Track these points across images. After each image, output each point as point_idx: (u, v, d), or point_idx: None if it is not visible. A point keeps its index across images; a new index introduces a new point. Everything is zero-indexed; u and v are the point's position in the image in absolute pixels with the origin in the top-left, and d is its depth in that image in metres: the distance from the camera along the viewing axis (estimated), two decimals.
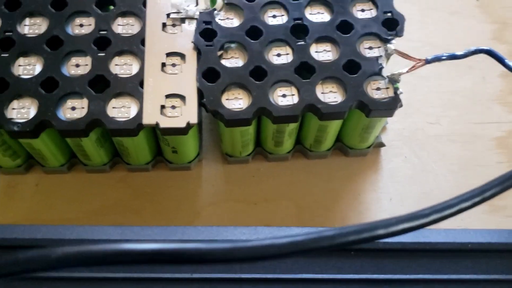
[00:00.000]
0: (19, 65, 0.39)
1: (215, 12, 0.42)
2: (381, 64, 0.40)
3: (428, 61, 0.39)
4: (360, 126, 0.42)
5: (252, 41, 0.40)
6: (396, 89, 0.39)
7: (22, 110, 0.38)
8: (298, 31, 0.41)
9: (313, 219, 0.45)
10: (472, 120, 0.49)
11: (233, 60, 0.40)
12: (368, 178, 0.47)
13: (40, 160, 0.44)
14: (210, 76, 0.40)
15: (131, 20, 0.41)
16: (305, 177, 0.46)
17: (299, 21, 0.41)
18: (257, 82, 0.39)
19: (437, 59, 0.39)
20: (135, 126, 0.37)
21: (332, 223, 0.45)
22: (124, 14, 0.41)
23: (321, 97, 0.39)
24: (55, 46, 0.40)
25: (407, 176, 0.47)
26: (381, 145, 0.47)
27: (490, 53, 0.39)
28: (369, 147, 0.46)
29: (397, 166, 0.47)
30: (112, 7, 0.42)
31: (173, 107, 0.38)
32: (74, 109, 0.38)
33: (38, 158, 0.43)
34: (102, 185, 0.45)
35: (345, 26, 0.41)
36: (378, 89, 0.39)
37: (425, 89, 0.50)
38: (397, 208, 0.45)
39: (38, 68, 0.39)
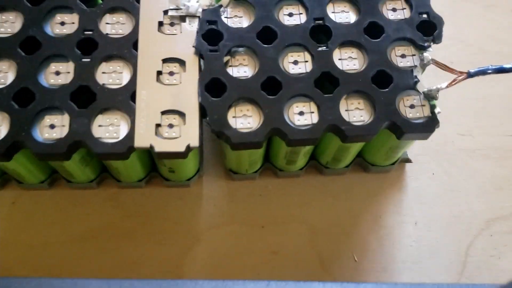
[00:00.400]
0: None
1: (221, 9, 0.35)
2: (416, 76, 0.34)
3: (470, 75, 0.33)
4: (387, 146, 0.37)
5: (264, 45, 0.34)
6: (433, 107, 0.33)
7: None
8: (319, 33, 0.35)
9: (328, 245, 0.39)
10: (508, 131, 0.43)
11: (242, 69, 0.34)
12: (390, 198, 0.41)
13: (16, 177, 0.38)
14: (215, 87, 0.33)
15: (121, 17, 0.35)
16: (319, 196, 0.41)
17: (320, 22, 0.35)
18: (270, 96, 0.33)
19: (482, 72, 0.33)
20: (125, 150, 0.32)
21: (350, 250, 0.39)
22: (113, 11, 0.35)
23: (345, 115, 0.33)
24: (30, 49, 0.33)
25: (434, 196, 0.41)
26: (407, 160, 0.42)
27: None
28: (393, 164, 0.41)
29: (424, 184, 0.42)
30: (99, 2, 0.35)
31: (171, 125, 0.32)
32: (53, 128, 0.32)
33: (13, 175, 0.37)
34: (88, 203, 0.40)
35: (374, 29, 0.35)
36: (412, 106, 0.33)
37: (456, 94, 0.44)
38: (423, 233, 0.40)
39: (10, 77, 0.33)
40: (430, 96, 0.33)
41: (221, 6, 0.35)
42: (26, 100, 0.32)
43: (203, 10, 0.35)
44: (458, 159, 0.42)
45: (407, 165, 0.42)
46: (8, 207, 0.39)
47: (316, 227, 0.40)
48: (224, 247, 0.39)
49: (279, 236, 0.39)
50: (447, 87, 0.33)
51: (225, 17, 0.35)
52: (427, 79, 0.38)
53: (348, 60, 0.34)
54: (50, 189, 0.40)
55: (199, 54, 0.34)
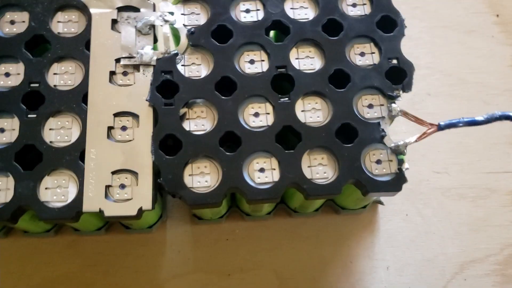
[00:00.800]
0: None
1: (178, 57, 0.33)
2: (383, 130, 0.32)
3: (441, 128, 0.31)
4: (355, 196, 0.35)
5: (223, 97, 0.32)
6: (401, 162, 0.32)
7: None
8: (282, 79, 0.33)
9: None
10: (485, 168, 0.41)
11: (200, 122, 0.32)
12: (362, 242, 0.40)
13: None
14: (170, 144, 0.32)
15: (70, 67, 0.33)
16: (288, 240, 0.39)
17: (283, 70, 0.33)
18: (229, 153, 0.31)
19: (453, 125, 0.31)
20: (73, 215, 0.30)
21: None
22: (61, 59, 0.33)
23: (307, 172, 0.31)
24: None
25: (407, 238, 0.40)
26: (379, 202, 0.40)
27: None
28: (364, 207, 0.39)
29: (397, 227, 0.40)
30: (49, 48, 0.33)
31: (122, 186, 0.31)
32: None
33: None
34: (45, 252, 0.38)
35: (340, 77, 0.33)
36: (378, 162, 0.32)
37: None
38: (395, 278, 0.39)
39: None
40: (397, 152, 0.32)
41: (177, 54, 0.33)
42: None
43: (158, 58, 0.33)
44: (433, 199, 0.41)
45: (380, 206, 0.40)
46: None
47: (284, 275, 0.38)
48: None
49: (246, 285, 0.38)
50: (416, 141, 0.31)
51: (181, 65, 0.33)
52: (398, 124, 0.37)
53: (311, 112, 0.32)
54: (6, 237, 0.38)
55: (153, 108, 0.32)
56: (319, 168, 0.31)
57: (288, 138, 0.33)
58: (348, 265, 0.39)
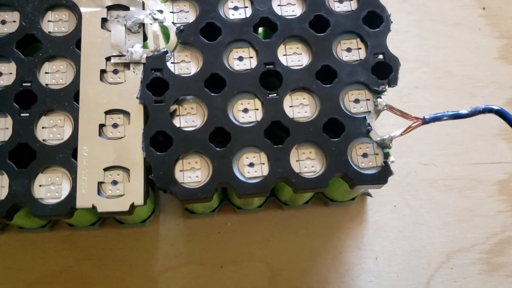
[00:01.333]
0: None
1: (167, 54, 0.33)
2: (369, 124, 0.33)
3: (426, 121, 0.32)
4: (343, 189, 0.36)
5: (212, 94, 0.33)
6: (386, 155, 0.32)
7: None
8: (270, 76, 0.34)
9: (288, 284, 0.39)
10: (472, 159, 0.42)
11: (190, 118, 0.33)
12: (351, 233, 0.41)
13: None
14: (161, 140, 0.32)
15: (62, 65, 0.33)
16: (279, 233, 0.40)
17: (271, 66, 0.34)
18: (219, 149, 0.32)
19: (437, 119, 0.32)
20: (67, 211, 0.30)
21: None
22: (52, 59, 0.33)
23: (295, 166, 0.32)
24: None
25: (396, 229, 0.41)
26: (368, 194, 0.41)
27: (500, 114, 0.32)
28: (353, 199, 0.40)
29: (385, 218, 0.41)
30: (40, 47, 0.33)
31: (114, 182, 0.31)
32: None
33: None
34: (41, 247, 0.39)
35: (327, 73, 0.34)
36: (365, 155, 0.32)
37: None
38: (383, 268, 0.40)
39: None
40: (383, 145, 0.32)
41: (167, 51, 0.33)
42: None
43: (148, 56, 0.33)
44: (420, 190, 0.41)
45: (368, 198, 0.41)
46: None
47: (275, 266, 0.39)
48: None
49: (238, 277, 0.39)
50: (401, 135, 0.32)
51: (171, 63, 0.33)
52: (386, 117, 0.37)
53: (299, 107, 0.33)
54: (2, 233, 0.39)
55: (144, 105, 0.32)
56: (307, 162, 0.32)
57: (276, 133, 0.33)
58: (337, 255, 0.40)
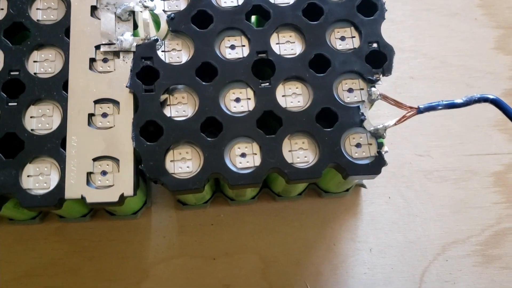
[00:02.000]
0: None
1: (158, 42, 0.33)
2: (362, 114, 0.32)
3: (420, 111, 0.32)
4: (337, 180, 0.35)
5: (203, 83, 0.32)
6: (380, 145, 0.32)
7: None
8: (263, 65, 0.33)
9: (281, 276, 0.39)
10: (467, 151, 0.42)
11: (181, 108, 0.32)
12: (345, 224, 0.40)
13: None
14: (151, 130, 0.32)
15: (50, 54, 0.33)
16: (272, 224, 0.40)
17: (263, 55, 0.33)
18: (210, 139, 0.31)
19: (432, 108, 0.32)
20: (55, 202, 0.30)
21: (304, 280, 0.39)
22: (41, 47, 0.33)
23: (288, 156, 0.31)
24: None
25: (390, 221, 0.40)
26: (362, 185, 0.40)
27: (496, 103, 0.31)
28: (347, 190, 0.40)
29: (380, 209, 0.40)
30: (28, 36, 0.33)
31: (104, 173, 0.31)
32: None
33: None
34: (32, 239, 0.38)
35: (320, 62, 0.33)
36: (358, 145, 0.32)
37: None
38: (377, 260, 0.39)
39: None
40: (377, 135, 0.32)
41: (157, 40, 0.33)
42: None
43: (138, 45, 0.33)
44: (415, 181, 0.41)
45: (363, 189, 0.41)
46: None
47: (268, 258, 0.39)
48: (174, 282, 0.38)
49: (231, 269, 0.38)
50: (395, 124, 0.32)
51: (162, 51, 0.33)
52: (380, 107, 0.37)
53: (292, 97, 0.33)
54: None
55: (134, 94, 0.32)
56: (299, 152, 0.32)
57: (269, 123, 0.33)
58: (331, 247, 0.39)
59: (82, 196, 0.30)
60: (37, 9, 0.33)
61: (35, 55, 0.32)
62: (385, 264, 0.39)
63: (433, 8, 0.45)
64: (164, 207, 0.40)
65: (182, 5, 0.34)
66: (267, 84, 0.32)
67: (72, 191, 0.30)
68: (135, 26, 0.34)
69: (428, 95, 0.43)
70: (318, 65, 0.33)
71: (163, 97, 0.32)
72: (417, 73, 0.44)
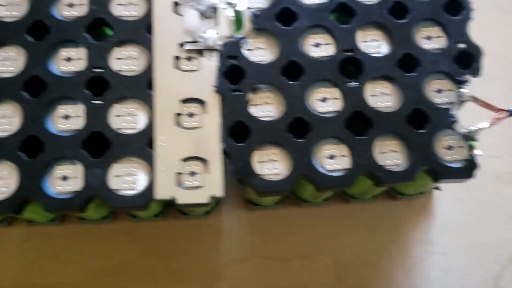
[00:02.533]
0: None
1: (242, 41, 0.32)
2: (453, 115, 0.31)
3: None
4: (421, 184, 0.34)
5: (290, 82, 0.32)
6: (472, 148, 0.31)
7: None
8: (347, 64, 0.32)
9: (355, 278, 0.38)
10: None
11: (266, 108, 0.31)
12: (418, 227, 0.39)
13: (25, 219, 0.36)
14: (237, 130, 0.31)
15: (133, 51, 0.32)
16: (345, 227, 0.39)
17: (350, 53, 0.32)
18: (298, 140, 0.31)
19: None
20: (145, 203, 0.29)
21: (377, 283, 0.38)
22: (123, 44, 0.32)
23: (379, 158, 0.31)
24: (35, 91, 0.31)
25: (462, 224, 0.39)
26: (436, 188, 0.40)
27: None
28: (422, 193, 0.39)
29: (452, 212, 0.40)
30: (108, 33, 0.32)
31: (193, 173, 0.30)
32: (65, 179, 0.30)
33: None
34: (103, 239, 0.38)
35: (407, 62, 0.32)
36: (449, 148, 0.31)
37: (485, 112, 0.41)
38: (451, 263, 0.38)
39: (15, 123, 0.30)
40: (469, 137, 0.31)
41: (242, 38, 0.32)
42: (34, 149, 0.30)
43: (223, 43, 0.32)
44: (487, 184, 0.40)
45: (436, 191, 0.40)
46: (19, 245, 0.37)
47: (342, 260, 0.38)
48: (248, 284, 0.37)
49: (305, 271, 0.38)
50: (490, 126, 0.31)
51: (246, 50, 0.32)
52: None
53: (380, 97, 0.32)
54: (62, 224, 0.38)
55: (221, 94, 0.31)
56: (390, 155, 0.31)
57: (354, 124, 0.32)
58: (404, 250, 0.39)
59: (172, 197, 0.29)
60: (118, 4, 0.33)
61: (118, 52, 0.32)
62: (458, 267, 0.38)
63: (501, 6, 0.44)
64: (234, 207, 0.39)
65: (264, 2, 0.33)
66: (355, 83, 0.32)
67: (162, 192, 0.29)
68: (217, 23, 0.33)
69: (501, 97, 0.42)
70: (404, 64, 0.32)
71: (249, 97, 0.31)
72: (487, 73, 0.42)
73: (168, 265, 0.37)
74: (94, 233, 0.38)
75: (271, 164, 0.30)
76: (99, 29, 0.33)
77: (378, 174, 0.30)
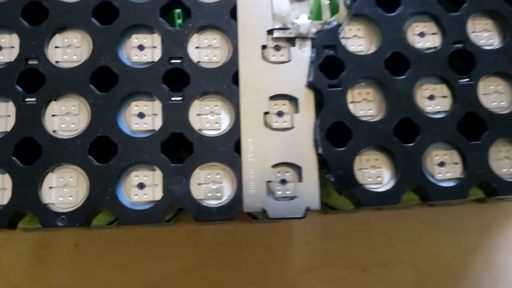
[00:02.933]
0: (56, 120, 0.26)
1: (339, 28, 0.28)
2: None
3: None
4: None
5: (395, 77, 0.28)
6: None
7: (63, 190, 0.25)
8: (454, 58, 0.29)
9: None
10: None
11: (366, 106, 0.27)
12: (504, 232, 0.36)
13: None
14: (333, 131, 0.27)
15: (214, 39, 0.28)
16: (427, 232, 0.36)
17: (460, 46, 0.28)
18: (406, 144, 0.27)
19: None
20: (232, 216, 0.26)
21: None
22: (203, 30, 0.28)
23: (494, 166, 0.27)
24: (104, 84, 0.27)
25: None
26: None
27: None
28: None
29: None
30: (177, 20, 0.28)
31: (283, 181, 0.26)
32: (142, 188, 0.26)
33: None
34: (163, 244, 0.34)
35: None
36: None
37: None
38: None
39: (82, 121, 0.26)
40: None
41: (339, 25, 0.28)
42: (105, 152, 0.26)
43: (318, 31, 0.28)
44: None
45: None
46: (71, 250, 0.34)
47: (424, 269, 0.35)
48: None
49: (383, 281, 0.35)
50: None
51: (343, 38, 0.28)
52: None
53: (494, 96, 0.28)
54: (118, 227, 0.34)
55: (317, 90, 0.27)
56: (505, 162, 0.27)
57: (461, 125, 0.28)
58: (490, 257, 0.36)
59: (263, 209, 0.26)
60: None
61: (197, 39, 0.27)
62: None
63: None
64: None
65: None
66: (467, 80, 0.28)
67: (251, 204, 0.26)
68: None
69: None
70: None
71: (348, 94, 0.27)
72: None
73: (234, 272, 0.34)
74: (154, 237, 0.34)
75: (373, 171, 0.27)
76: (168, 13, 0.29)
77: (494, 185, 0.27)
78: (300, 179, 0.26)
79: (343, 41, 0.28)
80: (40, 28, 0.27)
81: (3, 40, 0.27)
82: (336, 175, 0.26)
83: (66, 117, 0.26)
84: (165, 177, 0.26)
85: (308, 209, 0.26)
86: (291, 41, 0.28)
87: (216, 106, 0.27)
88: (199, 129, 0.26)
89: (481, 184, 0.27)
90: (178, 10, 0.29)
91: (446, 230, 0.35)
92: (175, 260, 0.34)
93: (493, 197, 0.27)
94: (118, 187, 0.26)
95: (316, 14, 0.29)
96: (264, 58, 0.28)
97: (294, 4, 0.28)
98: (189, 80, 0.27)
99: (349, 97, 0.27)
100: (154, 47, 0.27)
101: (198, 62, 0.27)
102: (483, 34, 0.29)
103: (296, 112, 0.27)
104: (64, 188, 0.25)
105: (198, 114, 0.27)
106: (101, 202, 0.25)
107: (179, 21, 0.29)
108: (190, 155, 0.26)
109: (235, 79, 0.27)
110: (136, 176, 0.26)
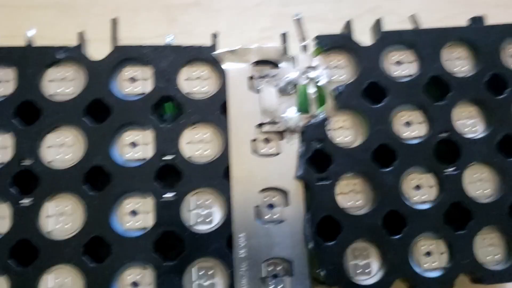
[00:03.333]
0: None
1: (326, 121, 0.29)
2: None
3: None
4: None
5: (382, 170, 0.28)
6: None
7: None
8: (441, 146, 0.29)
9: None
10: None
11: (354, 198, 0.28)
12: None
13: None
14: (323, 224, 0.28)
15: (205, 134, 0.28)
16: None
17: (446, 134, 0.29)
18: (394, 237, 0.28)
19: None
20: None
21: None
22: (195, 125, 0.28)
23: (479, 254, 0.28)
24: (98, 182, 0.27)
25: None
26: None
27: None
28: None
29: None
30: (167, 111, 0.29)
31: (275, 276, 0.27)
32: (136, 286, 0.26)
33: None
34: None
35: (507, 143, 0.29)
36: None
37: None
38: None
39: (76, 221, 0.27)
40: None
41: (326, 118, 0.29)
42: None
43: (305, 124, 0.28)
44: None
45: None
46: None
47: None
48: None
49: None
50: None
51: (329, 130, 0.29)
52: None
53: (479, 184, 0.29)
54: None
55: (306, 184, 0.28)
56: (489, 249, 0.28)
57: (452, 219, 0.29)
58: None
59: None
60: (185, 80, 0.29)
61: (188, 135, 0.28)
62: None
63: None
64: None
65: (348, 74, 0.29)
66: (453, 169, 0.29)
67: None
68: None
69: None
70: (507, 148, 0.29)
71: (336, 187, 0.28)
72: None
73: None
74: None
75: (362, 262, 0.27)
76: (159, 107, 0.29)
77: (480, 275, 0.27)
78: (292, 273, 0.27)
79: (330, 133, 0.29)
80: (33, 128, 0.27)
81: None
82: (327, 270, 0.27)
83: (60, 218, 0.27)
84: (156, 275, 0.26)
85: None
86: (280, 134, 0.28)
87: (208, 200, 0.27)
88: (190, 227, 0.27)
89: (466, 273, 0.28)
90: (168, 103, 0.29)
91: None
92: None
93: (479, 284, 0.28)
94: (112, 287, 0.26)
95: (302, 105, 0.29)
96: (254, 151, 0.28)
97: (282, 98, 0.29)
98: (182, 177, 0.27)
99: (337, 188, 0.28)
100: (146, 144, 0.28)
101: (190, 157, 0.28)
102: (467, 122, 0.30)
103: (287, 205, 0.28)
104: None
105: (190, 210, 0.27)
106: None
107: (170, 113, 0.29)
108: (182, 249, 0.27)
109: (226, 173, 0.28)
110: (129, 275, 0.26)
